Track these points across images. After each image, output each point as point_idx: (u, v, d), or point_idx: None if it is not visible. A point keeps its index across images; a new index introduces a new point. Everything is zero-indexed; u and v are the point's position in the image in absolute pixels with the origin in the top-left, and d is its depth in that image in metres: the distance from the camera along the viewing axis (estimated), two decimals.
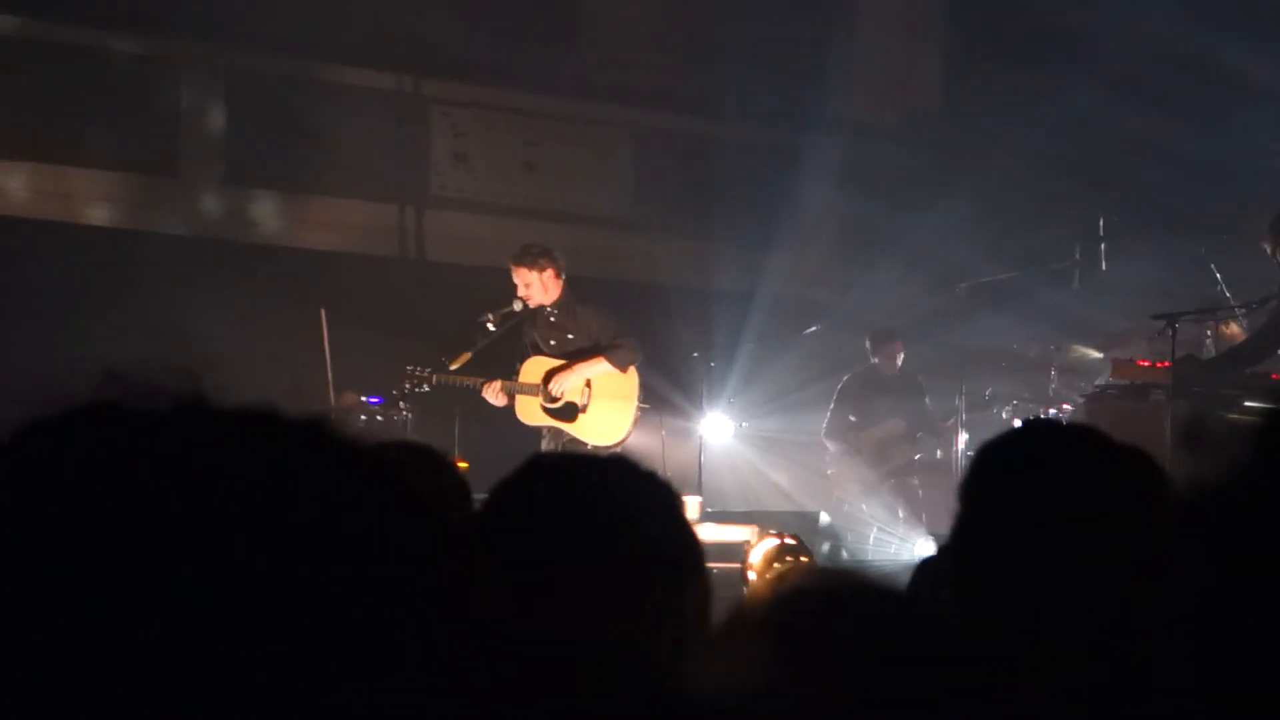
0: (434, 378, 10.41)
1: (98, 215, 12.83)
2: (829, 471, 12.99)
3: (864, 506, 12.42)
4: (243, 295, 11.52)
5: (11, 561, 0.88)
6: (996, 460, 2.65)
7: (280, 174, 13.30)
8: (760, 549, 9.14)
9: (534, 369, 10.33)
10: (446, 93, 14.05)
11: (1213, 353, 10.40)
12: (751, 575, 8.75)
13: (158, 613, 0.87)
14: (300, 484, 0.93)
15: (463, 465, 7.25)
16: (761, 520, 10.47)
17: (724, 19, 14.10)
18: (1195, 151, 12.58)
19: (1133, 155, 13.13)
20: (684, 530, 2.21)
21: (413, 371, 10.44)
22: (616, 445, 10.19)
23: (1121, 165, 13.26)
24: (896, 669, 1.51)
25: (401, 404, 10.68)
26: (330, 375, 10.74)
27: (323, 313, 10.69)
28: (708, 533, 9.61)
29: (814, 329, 13.40)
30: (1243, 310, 10.38)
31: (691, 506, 9.89)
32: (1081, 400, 10.75)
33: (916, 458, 12.69)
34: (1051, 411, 11.43)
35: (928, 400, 12.84)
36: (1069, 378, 11.88)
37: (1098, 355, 11.70)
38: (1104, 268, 12.51)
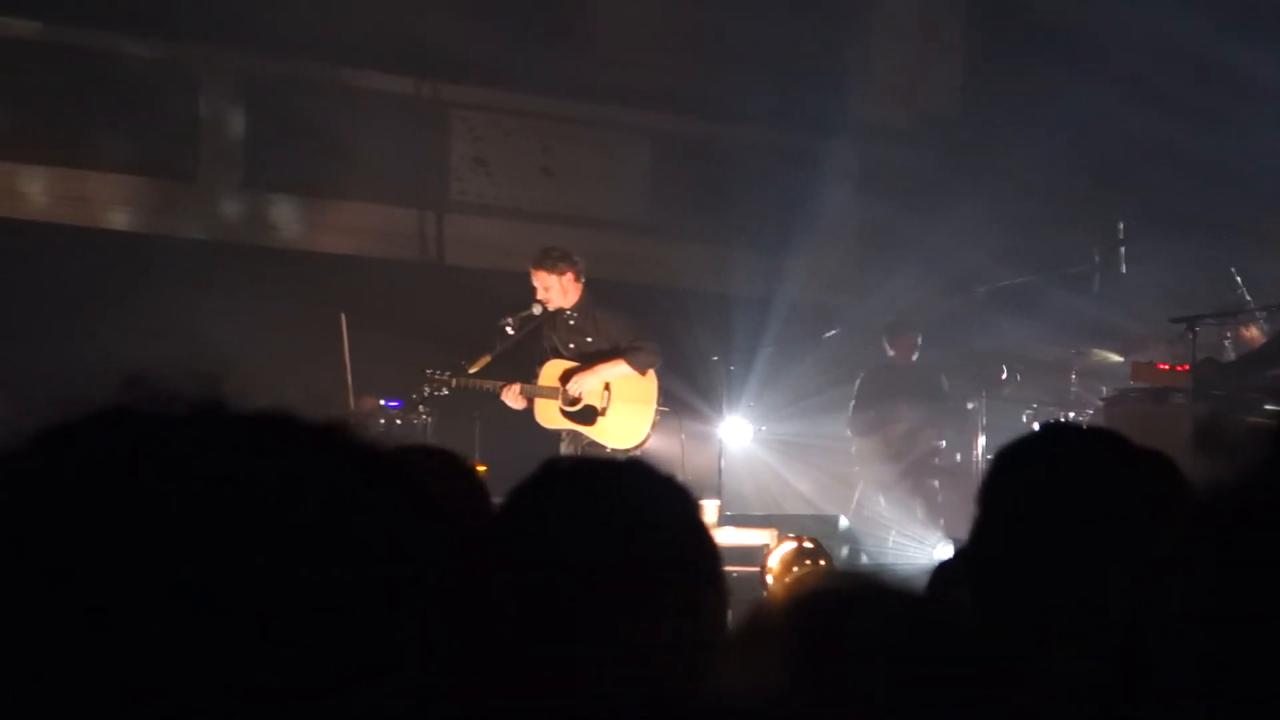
0: (453, 381, 10.42)
1: (116, 219, 12.86)
2: (855, 468, 12.97)
3: (882, 504, 12.41)
4: (261, 299, 11.54)
5: (28, 565, 0.88)
6: (1016, 464, 2.64)
7: (298, 178, 13.32)
8: (779, 553, 9.17)
9: (553, 372, 10.33)
10: (465, 97, 14.06)
11: (1232, 356, 10.38)
12: (770, 579, 8.76)
13: (174, 617, 0.87)
14: (317, 489, 0.93)
15: (481, 469, 7.25)
16: (781, 524, 10.46)
17: (741, 23, 14.09)
18: (1215, 155, 12.54)
19: (1152, 158, 13.10)
20: (700, 534, 2.21)
21: (432, 375, 10.45)
22: (636, 448, 10.18)
23: (1140, 168, 13.23)
24: (914, 672, 1.51)
25: (421, 408, 10.69)
26: (350, 379, 10.75)
27: (343, 317, 10.71)
28: (727, 536, 9.62)
29: (832, 333, 13.40)
30: (1263, 313, 10.36)
31: (710, 510, 9.89)
32: (1101, 404, 10.74)
33: (942, 444, 12.68)
34: (1071, 415, 11.41)
35: (945, 384, 12.84)
36: (1089, 381, 11.87)
37: (1117, 359, 11.69)
38: (1124, 271, 12.49)
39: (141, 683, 0.86)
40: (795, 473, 13.38)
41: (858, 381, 12.97)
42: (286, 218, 13.49)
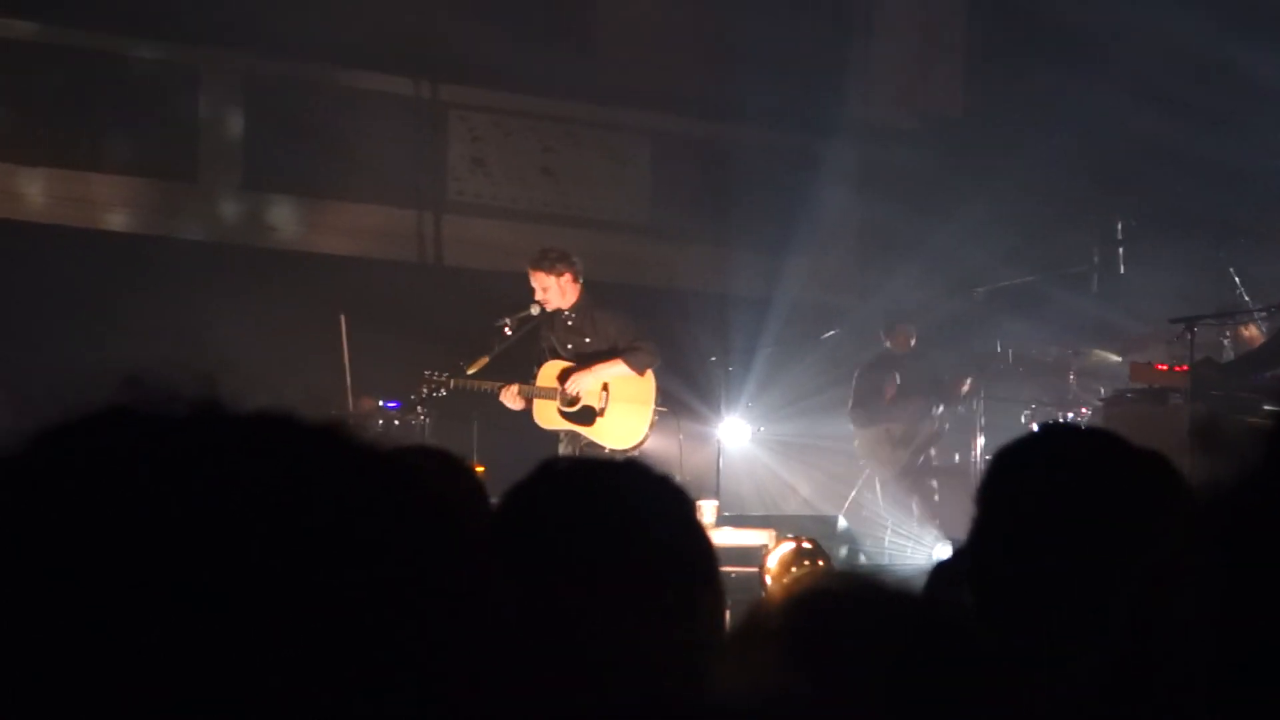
0: (451, 382, 10.42)
1: (117, 220, 12.87)
2: (859, 461, 12.96)
3: (880, 503, 12.42)
4: (261, 300, 11.55)
5: (28, 565, 0.89)
6: (1014, 464, 2.65)
7: (298, 179, 13.32)
8: (778, 553, 9.15)
9: (551, 373, 10.33)
10: (464, 98, 14.06)
11: (1231, 356, 10.38)
12: (768, 579, 8.75)
13: (174, 618, 0.87)
14: (317, 489, 0.93)
15: (480, 470, 7.26)
16: (779, 524, 10.45)
17: (742, 23, 14.10)
18: (1214, 155, 12.55)
19: (1151, 159, 13.10)
20: (697, 534, 2.21)
21: (430, 376, 10.45)
22: (634, 449, 10.18)
23: (1140, 169, 13.24)
24: (913, 673, 1.51)
25: (419, 408, 10.69)
26: (349, 380, 10.75)
27: (343, 318, 10.70)
28: (725, 537, 9.61)
29: (832, 333, 13.41)
30: (1262, 313, 10.36)
31: (709, 510, 9.88)
32: (1100, 404, 10.74)
33: (946, 426, 12.69)
34: (1070, 415, 11.42)
35: (944, 374, 12.86)
36: (1087, 381, 11.87)
37: (1116, 359, 11.69)
38: (1123, 271, 12.50)
39: (142, 684, 0.86)
40: (794, 473, 13.38)
41: (855, 374, 12.96)
42: (286, 218, 13.49)
